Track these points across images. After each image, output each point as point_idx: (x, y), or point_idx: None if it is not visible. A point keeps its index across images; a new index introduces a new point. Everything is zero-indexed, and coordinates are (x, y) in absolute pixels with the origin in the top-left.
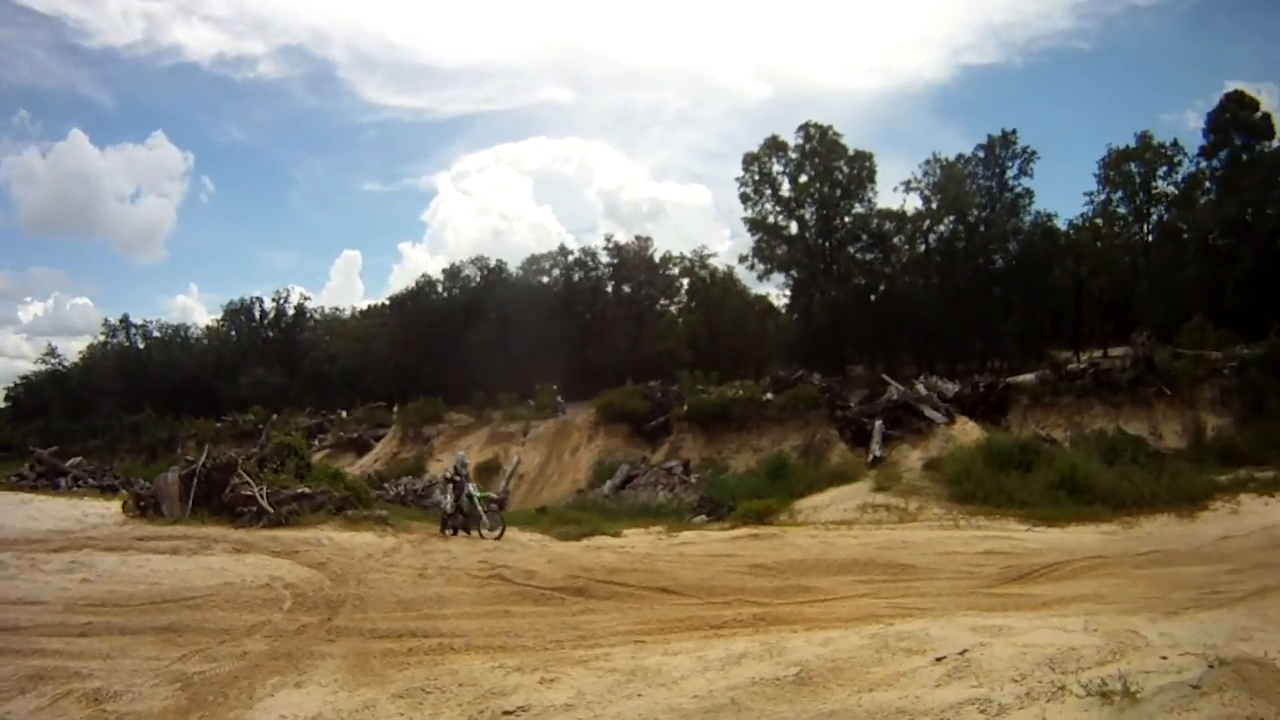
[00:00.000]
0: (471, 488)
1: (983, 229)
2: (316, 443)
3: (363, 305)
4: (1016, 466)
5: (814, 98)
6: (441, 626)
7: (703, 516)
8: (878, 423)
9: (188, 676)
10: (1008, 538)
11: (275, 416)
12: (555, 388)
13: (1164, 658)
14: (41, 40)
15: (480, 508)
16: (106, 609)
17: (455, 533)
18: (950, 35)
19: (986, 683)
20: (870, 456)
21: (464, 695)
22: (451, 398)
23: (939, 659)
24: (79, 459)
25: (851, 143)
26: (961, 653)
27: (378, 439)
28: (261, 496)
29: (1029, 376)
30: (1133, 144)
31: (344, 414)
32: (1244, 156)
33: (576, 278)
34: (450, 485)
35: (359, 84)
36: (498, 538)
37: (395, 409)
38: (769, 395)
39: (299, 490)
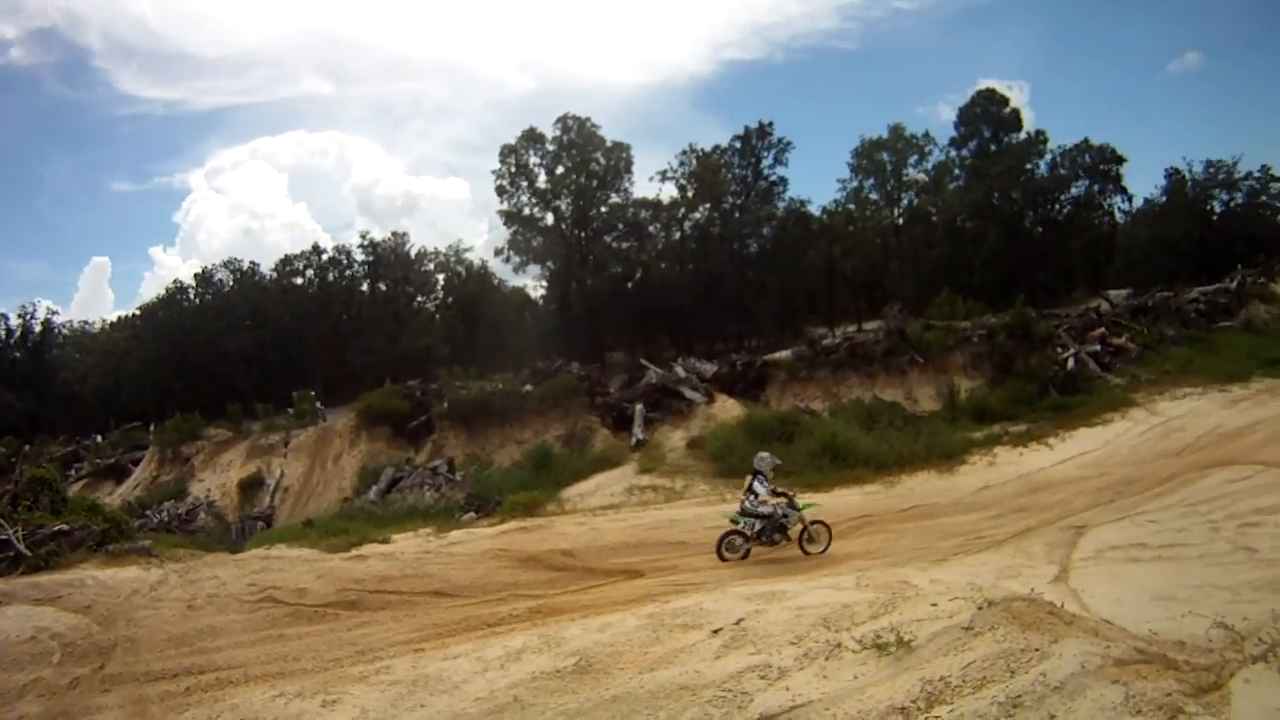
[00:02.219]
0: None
1: (737, 215)
2: (73, 473)
3: (112, 317)
4: (778, 438)
5: (577, 91)
6: (217, 659)
7: (471, 514)
8: (638, 406)
9: None
10: None
11: (27, 447)
12: (313, 394)
13: (934, 604)
14: None
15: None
16: None
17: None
18: (714, 32)
19: (765, 649)
20: (633, 440)
21: None
22: (210, 411)
23: (716, 631)
24: None
25: (613, 135)
26: (737, 622)
27: (136, 463)
28: (17, 539)
29: (785, 353)
30: (885, 135)
31: (99, 438)
32: (992, 147)
33: (331, 277)
34: (767, 494)
35: (115, 73)
36: (823, 551)
37: (152, 429)
38: (528, 387)
39: (56, 528)
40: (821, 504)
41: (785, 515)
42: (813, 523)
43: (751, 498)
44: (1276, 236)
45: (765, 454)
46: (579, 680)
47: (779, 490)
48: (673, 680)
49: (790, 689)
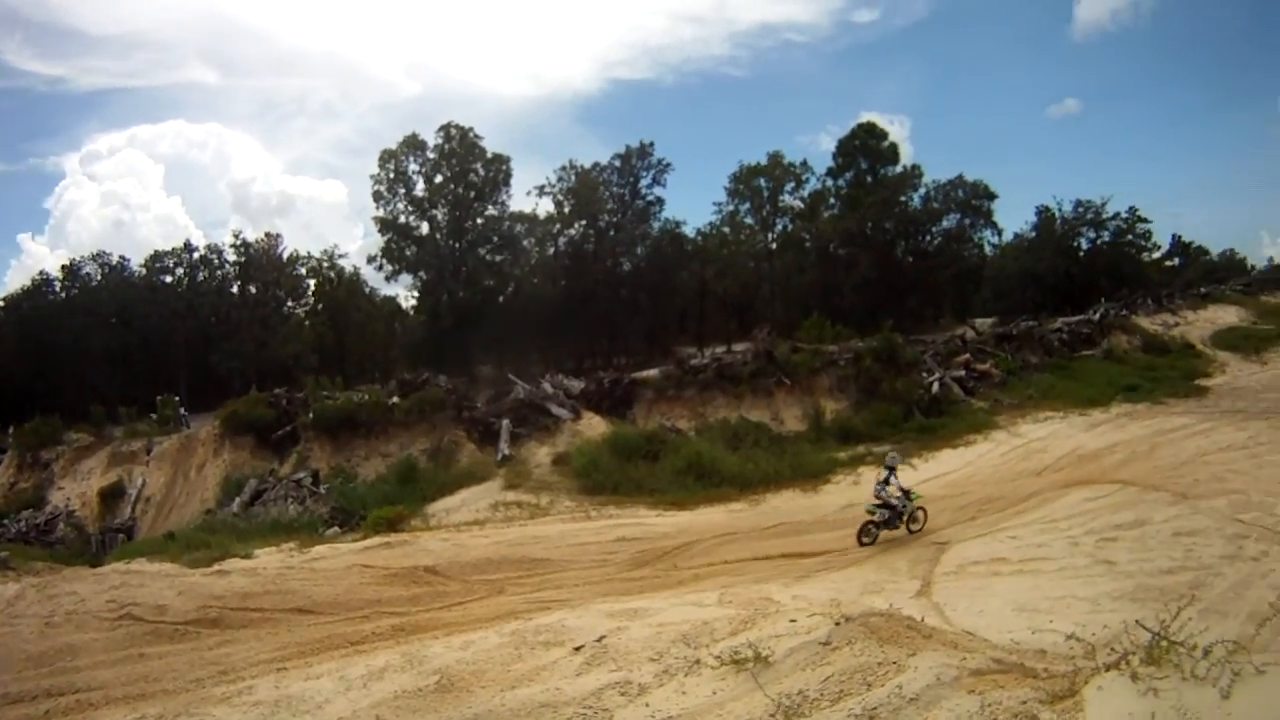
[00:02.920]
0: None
1: (612, 233)
2: None
3: None
4: (644, 456)
5: (462, 98)
6: (76, 680)
7: (335, 528)
8: (505, 422)
9: None
10: (639, 524)
11: None
12: (177, 399)
13: (793, 620)
14: None
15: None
16: None
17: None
18: (604, 50)
19: (625, 666)
20: (499, 455)
21: None
22: (72, 414)
23: (578, 648)
24: None
25: (495, 146)
26: (599, 640)
27: None
28: None
29: (654, 372)
30: (763, 161)
31: None
32: (869, 178)
33: (201, 277)
34: (897, 487)
35: None
36: (919, 529)
37: (10, 431)
38: (395, 399)
39: None
40: (687, 523)
41: (904, 506)
42: (916, 509)
43: (884, 488)
44: (1139, 272)
45: (894, 452)
46: (441, 699)
47: (903, 487)
48: (534, 698)
49: (650, 705)
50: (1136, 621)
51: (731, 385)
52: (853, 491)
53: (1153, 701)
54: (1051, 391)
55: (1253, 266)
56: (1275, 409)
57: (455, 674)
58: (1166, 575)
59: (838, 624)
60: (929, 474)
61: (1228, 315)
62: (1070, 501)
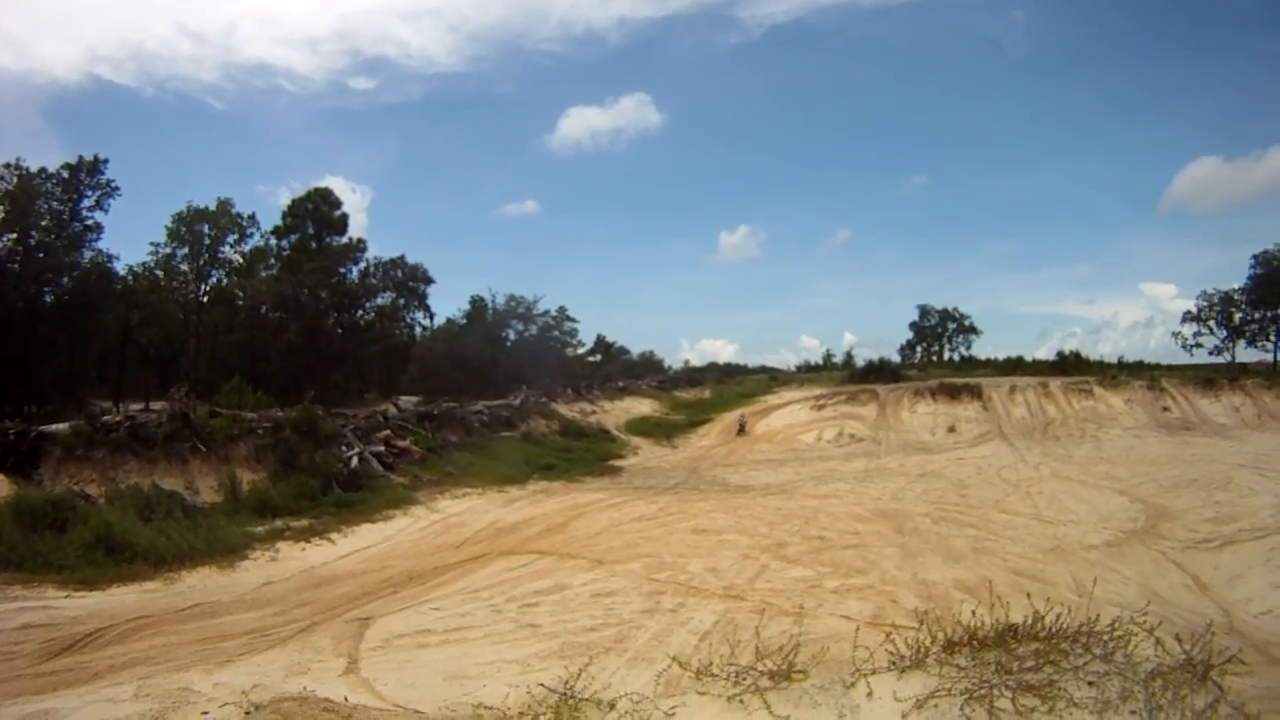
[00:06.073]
0: None
1: (42, 255)
2: None
3: None
4: (50, 526)
5: None
6: None
7: None
8: None
9: None
10: (46, 607)
11: None
12: None
13: (205, 713)
14: None
15: None
16: None
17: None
18: (98, 38)
19: None
20: None
21: None
22: None
23: None
24: None
25: None
26: None
27: None
28: None
29: (64, 426)
30: (213, 206)
31: None
32: (313, 244)
33: None
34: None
35: None
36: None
37: None
38: None
39: None
40: (98, 605)
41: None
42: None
43: (741, 418)
44: (562, 364)
45: (741, 413)
46: None
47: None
48: None
49: None
50: (540, 684)
51: (145, 448)
52: (271, 568)
53: None
54: (470, 469)
55: (669, 367)
56: (682, 485)
57: None
58: (590, 632)
59: (248, 713)
60: (349, 548)
61: (643, 406)
62: (490, 572)
